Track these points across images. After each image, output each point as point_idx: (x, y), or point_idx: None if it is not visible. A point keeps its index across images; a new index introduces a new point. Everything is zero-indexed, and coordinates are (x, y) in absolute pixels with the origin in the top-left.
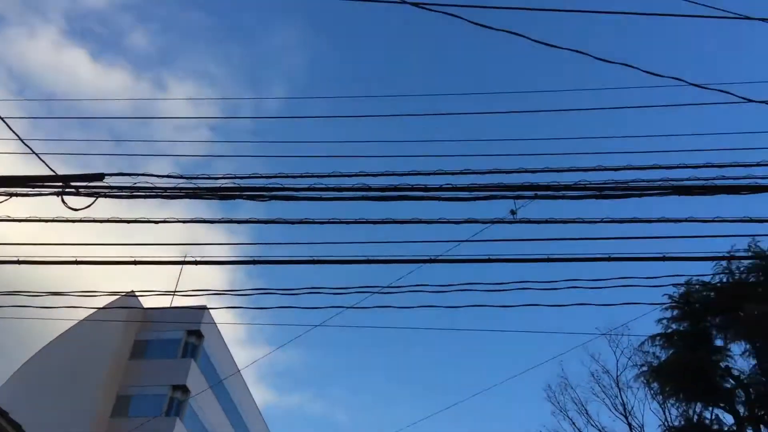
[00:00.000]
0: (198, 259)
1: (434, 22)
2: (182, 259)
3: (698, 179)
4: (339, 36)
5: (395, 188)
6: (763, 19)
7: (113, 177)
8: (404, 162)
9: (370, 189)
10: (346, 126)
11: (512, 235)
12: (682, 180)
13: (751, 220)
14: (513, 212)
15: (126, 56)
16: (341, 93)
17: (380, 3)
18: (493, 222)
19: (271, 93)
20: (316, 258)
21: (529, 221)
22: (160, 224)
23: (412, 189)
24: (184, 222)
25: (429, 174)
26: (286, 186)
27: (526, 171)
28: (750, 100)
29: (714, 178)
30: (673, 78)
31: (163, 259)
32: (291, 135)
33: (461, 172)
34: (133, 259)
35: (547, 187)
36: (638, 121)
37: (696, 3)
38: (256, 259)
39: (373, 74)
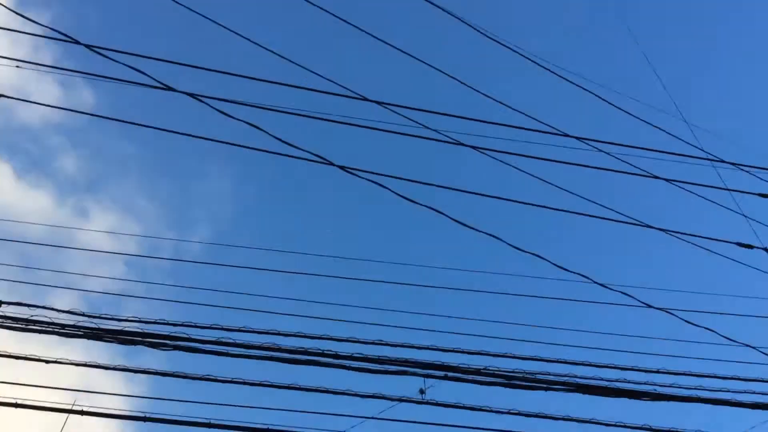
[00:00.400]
0: (85, 408)
1: (360, 187)
2: (69, 407)
3: (601, 379)
4: (270, 190)
5: (305, 351)
6: (661, 229)
7: (10, 306)
8: (316, 324)
9: (279, 349)
10: (262, 280)
11: (419, 416)
12: (586, 378)
13: (650, 429)
14: (422, 391)
15: (52, 178)
16: (265, 246)
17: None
18: (401, 400)
19: (195, 235)
20: (213, 421)
21: (437, 403)
22: (50, 364)
23: (323, 354)
24: (77, 365)
25: (341, 340)
26: (191, 336)
27: (437, 349)
28: (649, 306)
29: (616, 380)
30: (579, 275)
31: (48, 405)
32: (208, 282)
33: (373, 342)
34: (14, 401)
35: (458, 369)
36: (546, 312)
37: (606, 208)
38: (148, 415)
39: (297, 232)
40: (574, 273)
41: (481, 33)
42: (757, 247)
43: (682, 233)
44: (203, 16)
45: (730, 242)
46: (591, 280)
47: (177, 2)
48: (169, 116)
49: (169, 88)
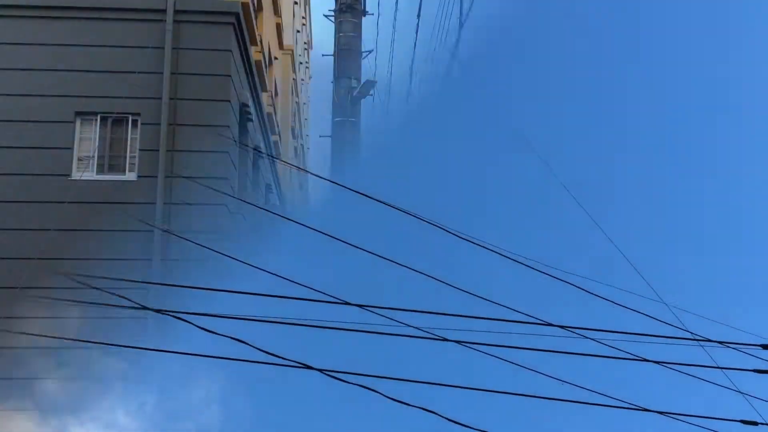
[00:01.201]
0: None
1: (351, 389)
2: None
3: None
4: (259, 396)
5: None
6: (662, 413)
7: None
8: None
9: None
10: None
11: None
12: None
13: None
14: None
15: (35, 401)
16: None
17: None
18: None
19: None
20: None
21: None
22: None
23: None
24: None
25: None
26: None
27: None
28: None
29: None
30: None
31: None
32: None
33: None
34: None
35: None
36: None
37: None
38: None
39: None
40: None
41: (455, 235)
42: (761, 423)
43: (683, 414)
44: (181, 237)
45: (734, 420)
46: None
47: (159, 228)
48: (153, 330)
49: (147, 308)
